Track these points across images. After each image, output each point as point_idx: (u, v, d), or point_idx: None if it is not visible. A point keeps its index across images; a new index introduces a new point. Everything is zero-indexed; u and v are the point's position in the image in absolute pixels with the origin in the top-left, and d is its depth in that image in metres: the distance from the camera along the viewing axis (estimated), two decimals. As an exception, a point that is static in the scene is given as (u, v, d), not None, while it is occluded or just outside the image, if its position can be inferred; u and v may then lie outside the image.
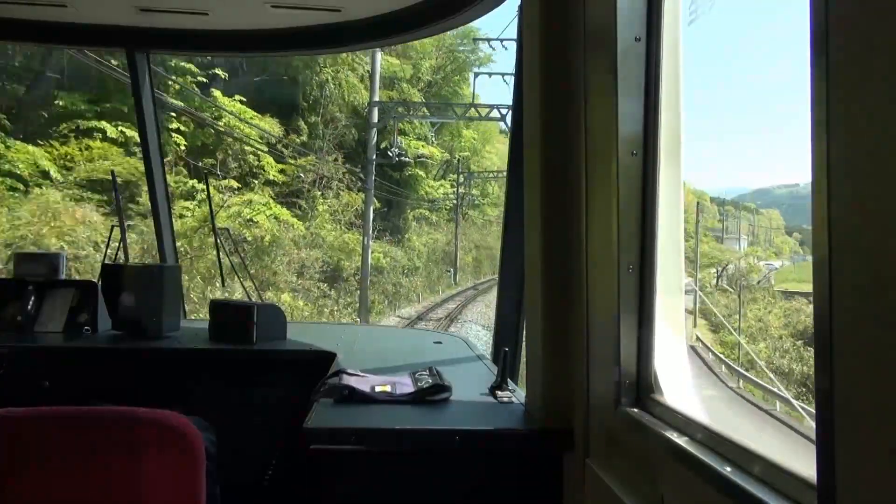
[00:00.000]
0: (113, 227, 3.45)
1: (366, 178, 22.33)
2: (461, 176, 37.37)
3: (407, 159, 27.90)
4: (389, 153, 23.42)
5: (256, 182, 20.90)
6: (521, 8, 2.31)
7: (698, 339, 23.27)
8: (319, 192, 23.75)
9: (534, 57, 1.75)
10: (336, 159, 24.65)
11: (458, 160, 37.37)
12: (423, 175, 33.72)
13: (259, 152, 21.32)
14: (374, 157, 22.19)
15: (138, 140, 3.63)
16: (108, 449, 1.51)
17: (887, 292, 0.66)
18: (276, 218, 20.01)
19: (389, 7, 2.84)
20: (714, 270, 32.07)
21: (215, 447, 1.91)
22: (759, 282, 31.08)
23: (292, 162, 23.00)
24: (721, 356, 19.79)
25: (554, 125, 1.70)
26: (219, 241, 3.52)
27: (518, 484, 1.74)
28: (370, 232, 21.66)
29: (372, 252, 24.17)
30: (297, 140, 23.50)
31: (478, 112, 21.78)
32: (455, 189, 36.38)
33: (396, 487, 1.70)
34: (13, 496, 1.47)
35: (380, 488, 1.71)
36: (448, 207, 37.30)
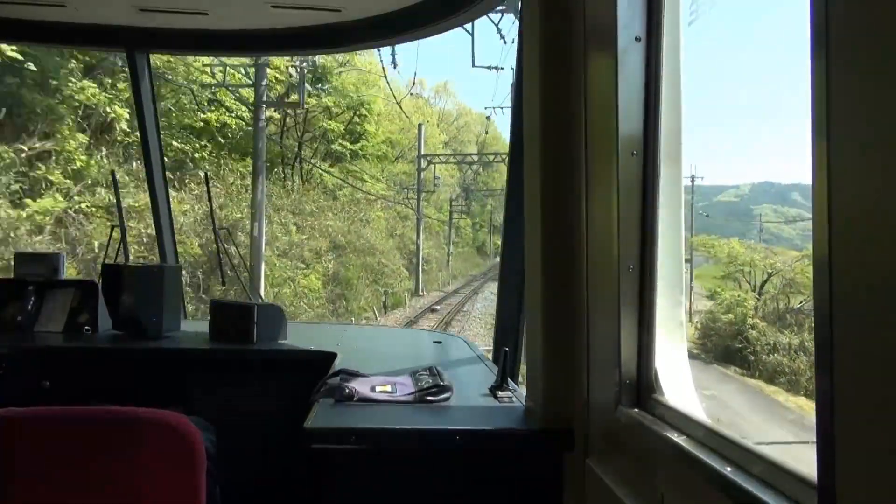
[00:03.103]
0: (113, 227, 3.45)
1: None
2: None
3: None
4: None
5: None
6: (521, 8, 2.31)
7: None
8: None
9: (534, 57, 1.75)
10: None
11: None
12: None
13: None
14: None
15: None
16: (108, 449, 1.51)
17: (887, 292, 0.66)
18: None
19: (389, 7, 2.84)
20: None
21: (215, 447, 1.91)
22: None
23: None
24: None
25: (554, 125, 1.70)
26: (219, 240, 3.52)
27: (518, 484, 1.74)
28: None
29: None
30: None
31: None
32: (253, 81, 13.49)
33: (396, 487, 1.70)
34: (14, 496, 1.47)
35: (380, 488, 1.71)
36: (246, 126, 14.69)
